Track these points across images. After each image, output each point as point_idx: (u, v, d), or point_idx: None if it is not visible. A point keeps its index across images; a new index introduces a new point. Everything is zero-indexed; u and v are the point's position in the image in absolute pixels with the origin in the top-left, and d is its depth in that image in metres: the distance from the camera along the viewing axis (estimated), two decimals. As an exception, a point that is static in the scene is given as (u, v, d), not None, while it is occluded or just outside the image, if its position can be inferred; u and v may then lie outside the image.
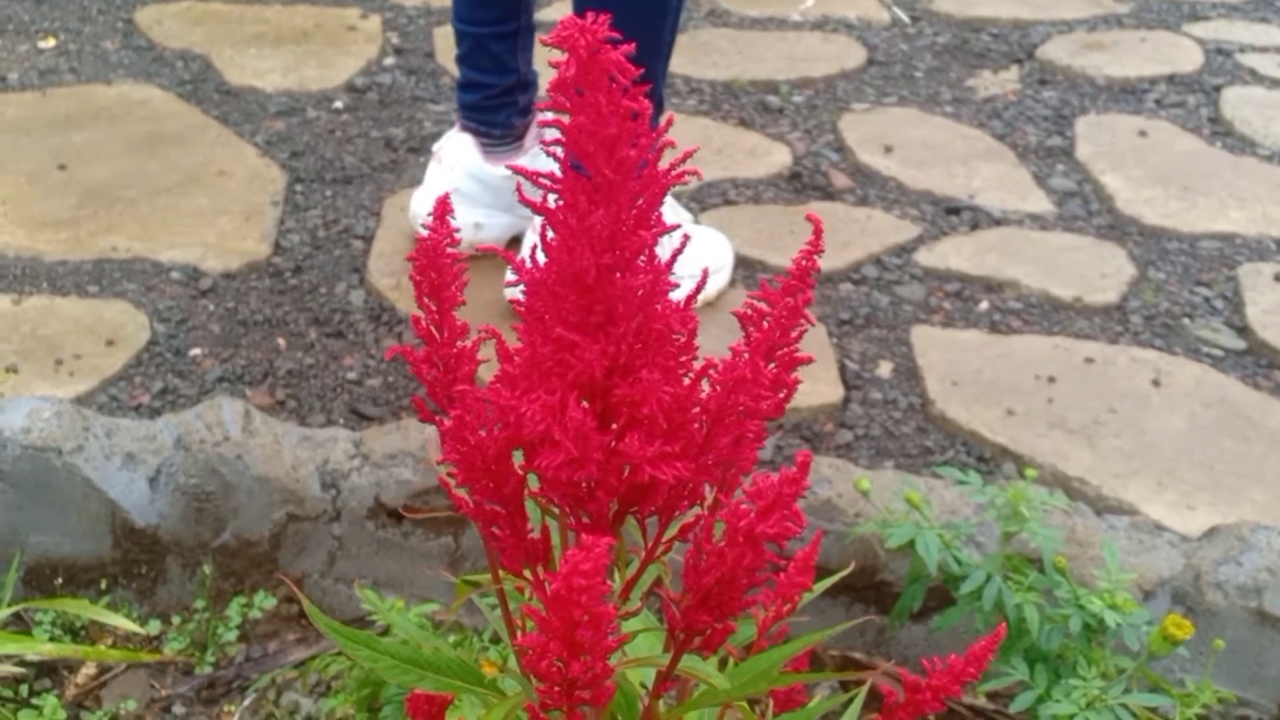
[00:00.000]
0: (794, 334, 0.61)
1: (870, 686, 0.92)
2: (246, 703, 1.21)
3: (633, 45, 0.46)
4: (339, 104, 2.13)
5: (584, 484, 0.55)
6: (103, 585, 1.31)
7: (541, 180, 0.51)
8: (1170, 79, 2.33)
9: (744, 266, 1.70)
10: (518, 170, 0.49)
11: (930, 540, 1.08)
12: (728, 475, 0.64)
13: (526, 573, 0.61)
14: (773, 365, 0.60)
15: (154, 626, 1.29)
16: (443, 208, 0.55)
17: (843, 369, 1.53)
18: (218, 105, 2.11)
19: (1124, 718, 0.99)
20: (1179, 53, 2.43)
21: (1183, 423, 1.46)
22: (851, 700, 0.82)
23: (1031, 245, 1.81)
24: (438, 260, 0.55)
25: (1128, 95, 2.27)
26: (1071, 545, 1.19)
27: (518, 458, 0.58)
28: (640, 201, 0.50)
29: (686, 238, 0.56)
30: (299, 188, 1.88)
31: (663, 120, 0.52)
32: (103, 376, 1.47)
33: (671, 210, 1.66)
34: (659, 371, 0.54)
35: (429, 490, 1.26)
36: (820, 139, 2.09)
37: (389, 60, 2.30)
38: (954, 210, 1.89)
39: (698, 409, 0.57)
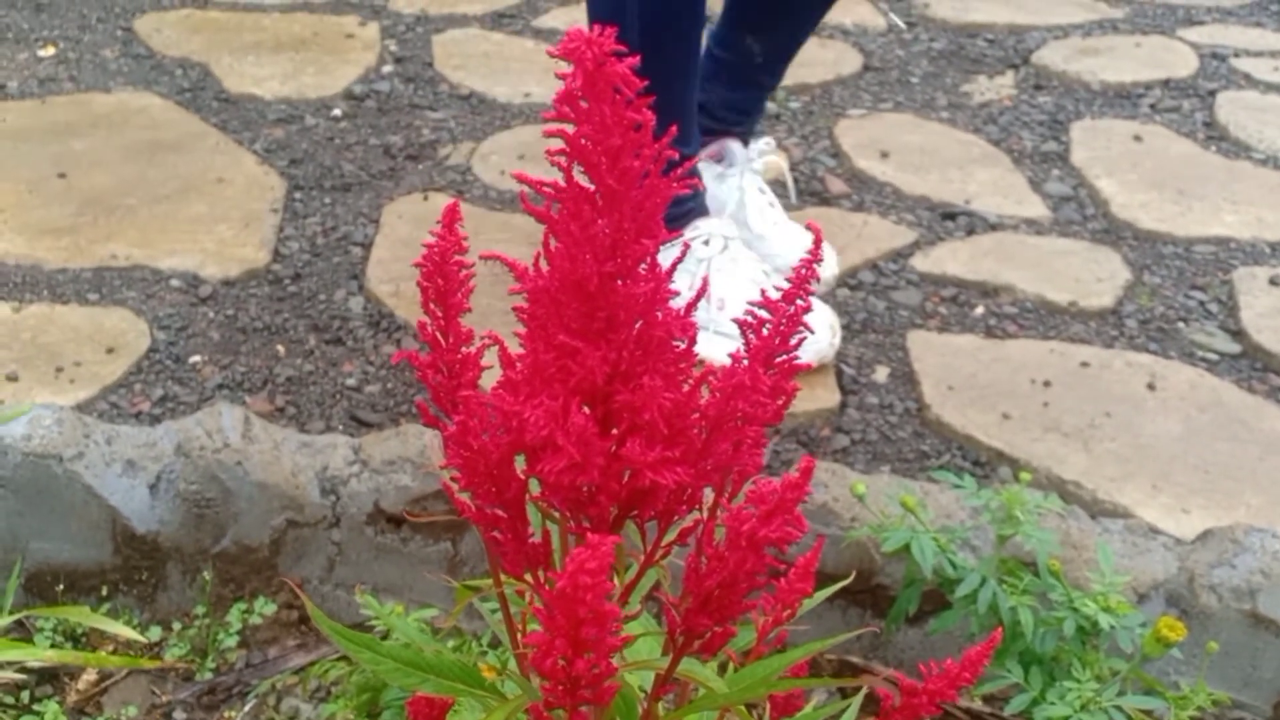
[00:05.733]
0: (793, 341, 0.61)
1: (867, 690, 0.93)
2: (247, 708, 1.22)
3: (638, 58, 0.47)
4: (338, 111, 2.14)
5: (585, 488, 0.56)
6: (103, 592, 1.31)
7: (545, 189, 0.52)
8: (1165, 84, 2.34)
9: (741, 272, 1.71)
10: (522, 179, 0.50)
11: (925, 544, 1.09)
12: (728, 480, 0.65)
13: (527, 576, 0.61)
14: (772, 372, 0.61)
15: (155, 633, 1.29)
16: (450, 215, 0.56)
17: (839, 374, 1.54)
18: (217, 113, 2.12)
19: (1119, 720, 1.00)
20: (1174, 57, 2.45)
21: (1178, 426, 1.47)
22: (848, 705, 0.83)
23: (1027, 250, 1.82)
24: (444, 267, 0.56)
25: (1123, 100, 2.29)
26: (1066, 548, 1.20)
27: (520, 463, 0.58)
28: (642, 211, 0.51)
29: (687, 246, 0.57)
30: (298, 195, 1.89)
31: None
32: (103, 384, 1.47)
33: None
34: (659, 378, 0.54)
35: (428, 496, 1.27)
36: (817, 145, 2.10)
37: (387, 68, 2.31)
38: (950, 215, 1.90)
39: (697, 415, 0.57)
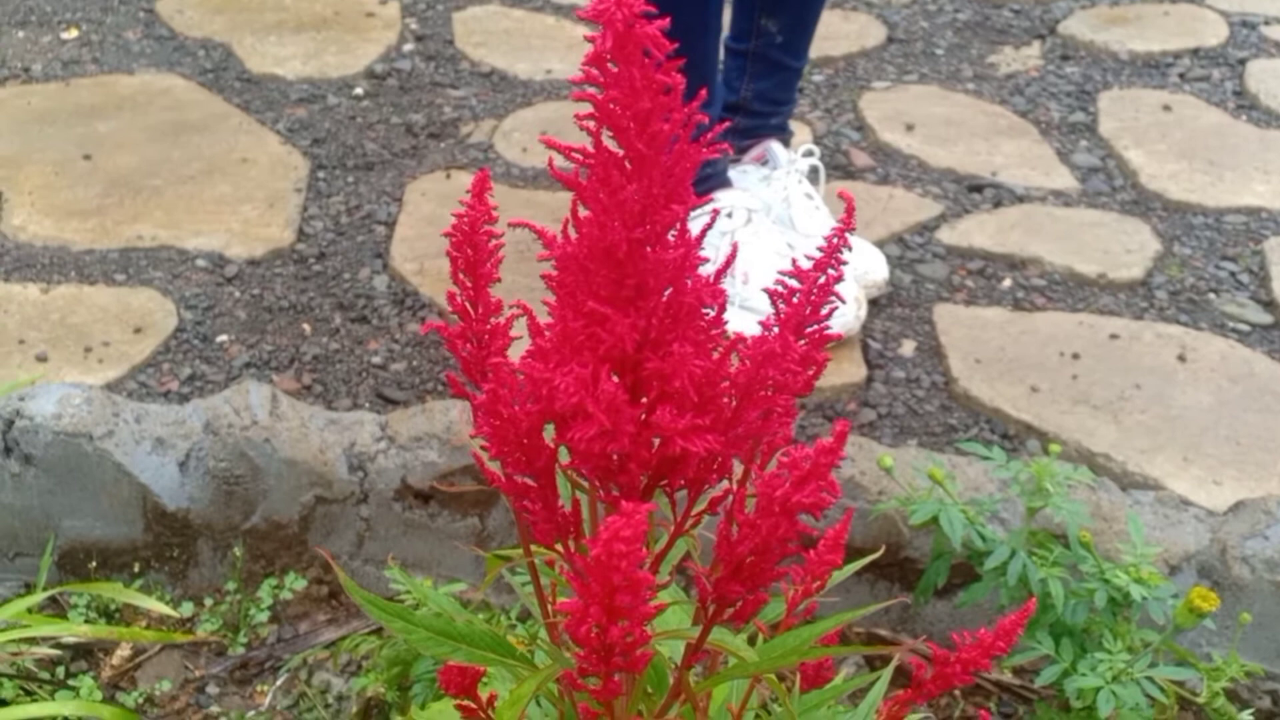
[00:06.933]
0: (824, 311, 0.61)
1: (896, 663, 0.93)
2: (279, 682, 1.23)
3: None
4: (359, 90, 2.14)
5: (615, 456, 0.56)
6: (136, 568, 1.33)
7: (574, 155, 0.51)
8: (1194, 53, 2.31)
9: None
10: (551, 144, 0.49)
11: (954, 516, 1.09)
12: (758, 449, 0.64)
13: (558, 546, 0.61)
14: (802, 342, 0.60)
15: (187, 608, 1.30)
16: (480, 185, 0.56)
17: (865, 348, 1.53)
18: (239, 93, 2.13)
19: (1150, 691, 0.99)
20: (1203, 26, 2.41)
21: (1209, 397, 1.45)
22: (879, 676, 0.83)
23: (1055, 222, 1.80)
24: (474, 236, 0.56)
25: (1151, 70, 2.26)
26: (1097, 520, 1.19)
27: (549, 431, 0.58)
28: (671, 176, 0.50)
29: (716, 213, 0.57)
30: (321, 174, 1.89)
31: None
32: (131, 363, 1.48)
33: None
34: (689, 345, 0.54)
35: (455, 471, 1.28)
36: (841, 118, 2.08)
37: (408, 46, 2.30)
38: (976, 188, 1.88)
39: (727, 383, 0.57)
